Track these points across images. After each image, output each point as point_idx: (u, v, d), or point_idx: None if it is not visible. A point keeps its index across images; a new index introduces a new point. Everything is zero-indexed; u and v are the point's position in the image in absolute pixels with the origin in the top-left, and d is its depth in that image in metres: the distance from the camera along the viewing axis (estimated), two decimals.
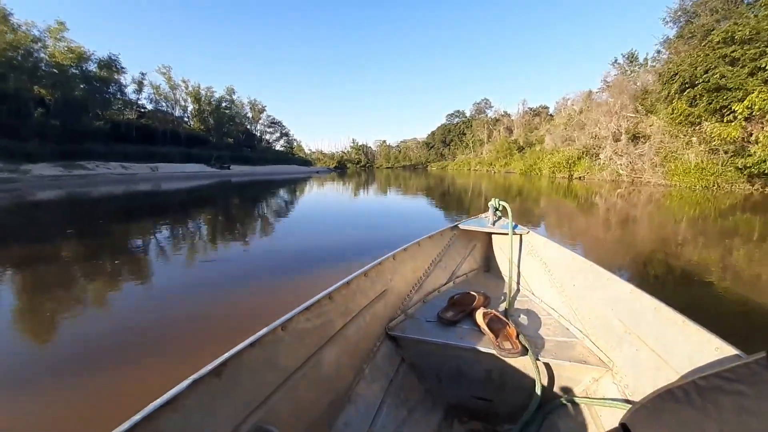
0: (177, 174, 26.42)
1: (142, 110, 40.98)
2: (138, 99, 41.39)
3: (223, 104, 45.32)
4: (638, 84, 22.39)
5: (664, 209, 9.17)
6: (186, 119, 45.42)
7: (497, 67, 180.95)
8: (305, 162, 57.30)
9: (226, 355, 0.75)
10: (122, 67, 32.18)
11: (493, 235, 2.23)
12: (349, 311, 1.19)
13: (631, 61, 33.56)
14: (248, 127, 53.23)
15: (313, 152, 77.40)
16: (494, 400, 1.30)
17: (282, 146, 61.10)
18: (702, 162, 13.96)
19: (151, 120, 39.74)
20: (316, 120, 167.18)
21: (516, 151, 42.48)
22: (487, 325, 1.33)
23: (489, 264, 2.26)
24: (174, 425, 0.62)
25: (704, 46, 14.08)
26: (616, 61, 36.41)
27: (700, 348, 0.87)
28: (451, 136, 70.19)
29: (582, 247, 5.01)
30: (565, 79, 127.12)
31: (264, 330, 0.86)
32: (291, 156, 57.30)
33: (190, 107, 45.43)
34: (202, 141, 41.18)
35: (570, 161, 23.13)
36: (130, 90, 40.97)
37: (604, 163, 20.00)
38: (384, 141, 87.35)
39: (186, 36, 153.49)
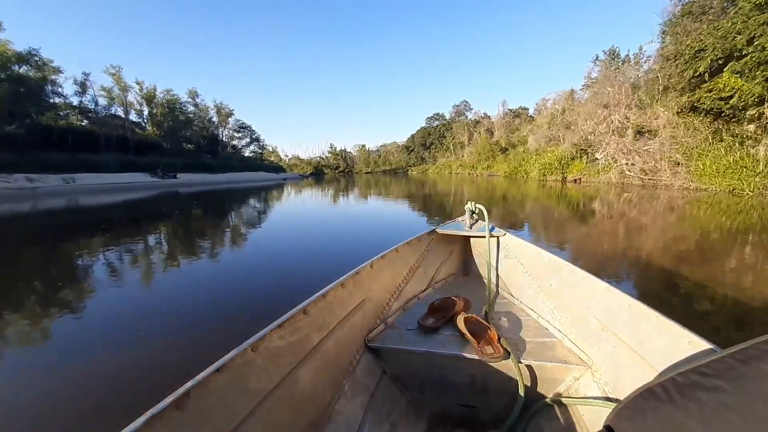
0: (105, 186, 21.93)
1: (90, 114, 36.28)
2: (81, 102, 36.79)
3: (178, 106, 40.65)
4: (622, 79, 19.66)
5: (701, 221, 5.76)
6: (143, 124, 40.77)
7: (476, 69, 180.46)
8: (277, 168, 52.77)
9: (189, 384, 0.66)
10: (44, 63, 27.49)
11: (471, 239, 2.16)
12: (326, 325, 1.12)
13: (613, 58, 31.40)
14: (213, 132, 48.76)
15: (290, 158, 73.20)
16: (478, 406, 1.26)
17: (251, 152, 56.67)
18: (743, 159, 10.72)
19: (95, 125, 35.06)
20: (294, 126, 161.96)
21: (498, 152, 39.50)
22: (469, 330, 1.29)
23: (468, 268, 2.20)
24: None
25: (735, 13, 11.01)
26: (597, 58, 34.38)
27: (675, 342, 0.87)
28: (431, 139, 67.18)
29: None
30: (543, 81, 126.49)
31: (232, 353, 0.77)
32: (261, 162, 52.76)
33: (146, 111, 40.90)
34: (154, 147, 36.55)
35: (563, 162, 19.83)
36: (71, 92, 36.49)
37: (607, 164, 16.69)
38: (363, 145, 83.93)
39: (160, 44, 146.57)
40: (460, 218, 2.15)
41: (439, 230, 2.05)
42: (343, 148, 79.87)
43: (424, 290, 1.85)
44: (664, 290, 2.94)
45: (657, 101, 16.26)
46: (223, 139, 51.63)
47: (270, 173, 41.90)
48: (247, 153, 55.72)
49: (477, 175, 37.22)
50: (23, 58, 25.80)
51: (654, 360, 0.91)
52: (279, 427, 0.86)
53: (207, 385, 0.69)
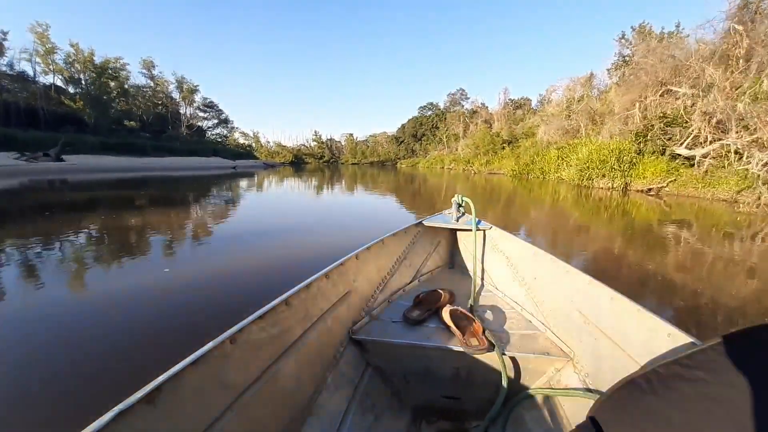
0: None
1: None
2: None
3: (109, 73, 31.67)
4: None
5: None
6: (77, 93, 31.85)
7: (475, 57, 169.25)
8: (241, 154, 43.91)
9: (161, 377, 0.61)
10: None
11: (457, 232, 2.08)
12: (309, 316, 1.06)
13: (643, 35, 24.58)
14: (172, 109, 40.04)
15: (271, 145, 64.61)
16: (462, 397, 1.24)
17: (216, 135, 48.11)
18: None
19: (6, 93, 26.38)
20: (279, 111, 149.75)
21: (500, 146, 31.70)
22: (454, 322, 1.25)
23: (454, 260, 2.11)
24: None
25: None
26: (623, 36, 27.28)
27: (655, 335, 0.85)
28: (423, 129, 58.96)
29: None
30: (546, 72, 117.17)
31: (209, 345, 0.72)
32: (223, 146, 43.95)
33: (111, 83, 32.31)
34: (71, 121, 27.88)
35: (624, 157, 11.92)
36: None
37: (738, 164, 8.43)
38: (351, 134, 75.12)
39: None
40: (446, 211, 2.07)
41: (426, 223, 1.97)
42: (329, 137, 71.50)
43: (410, 282, 1.76)
44: None
45: None
46: (188, 118, 43.00)
47: (227, 160, 33.27)
48: (211, 135, 47.21)
49: (474, 173, 29.41)
50: None
51: (635, 352, 0.89)
52: (259, 422, 0.80)
53: (181, 379, 0.63)
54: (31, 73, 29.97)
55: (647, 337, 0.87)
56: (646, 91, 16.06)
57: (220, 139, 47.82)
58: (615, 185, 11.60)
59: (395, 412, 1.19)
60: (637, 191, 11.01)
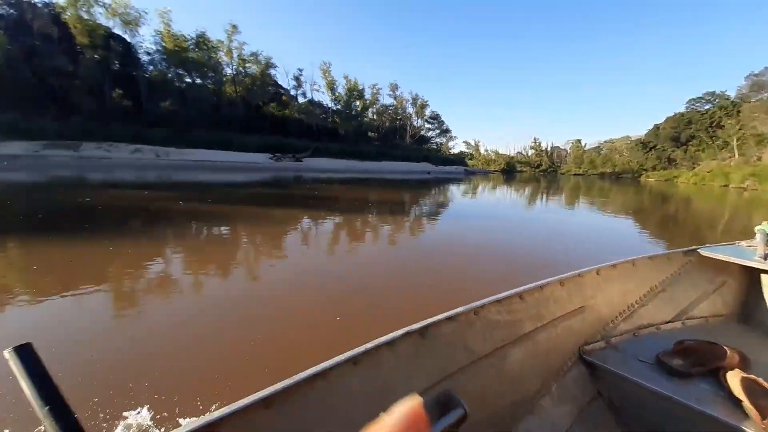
0: (213, 163, 20.87)
1: (293, 103, 38.63)
2: (296, 95, 39.60)
3: (356, 93, 38.00)
4: None
5: None
6: (336, 111, 40.96)
7: None
8: (451, 161, 44.11)
9: (428, 321, 0.76)
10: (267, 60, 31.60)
11: (761, 273, 1.52)
12: (540, 317, 1.02)
13: None
14: (401, 122, 44.99)
15: (488, 153, 62.64)
16: None
17: (437, 143, 50.74)
18: None
19: (303, 115, 36.84)
20: (498, 121, 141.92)
21: None
22: (747, 395, 0.92)
23: (750, 312, 1.55)
24: (390, 361, 0.68)
25: None
26: None
27: None
28: (692, 130, 40.67)
29: None
30: None
31: (460, 308, 0.83)
32: (435, 153, 45.45)
33: (357, 103, 41.03)
34: (331, 134, 35.46)
35: None
36: (290, 86, 40.03)
37: None
38: (578, 140, 61.85)
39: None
40: (743, 242, 1.59)
41: (704, 252, 1.51)
42: (551, 144, 61.90)
43: (669, 322, 1.41)
44: None
45: None
46: (414, 128, 47.37)
47: (432, 165, 34.09)
48: (432, 143, 50.34)
49: None
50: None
51: None
52: (488, 391, 0.88)
53: (439, 327, 0.78)
54: (313, 97, 40.59)
55: None
56: None
57: (436, 147, 50.17)
58: None
59: None
60: None
